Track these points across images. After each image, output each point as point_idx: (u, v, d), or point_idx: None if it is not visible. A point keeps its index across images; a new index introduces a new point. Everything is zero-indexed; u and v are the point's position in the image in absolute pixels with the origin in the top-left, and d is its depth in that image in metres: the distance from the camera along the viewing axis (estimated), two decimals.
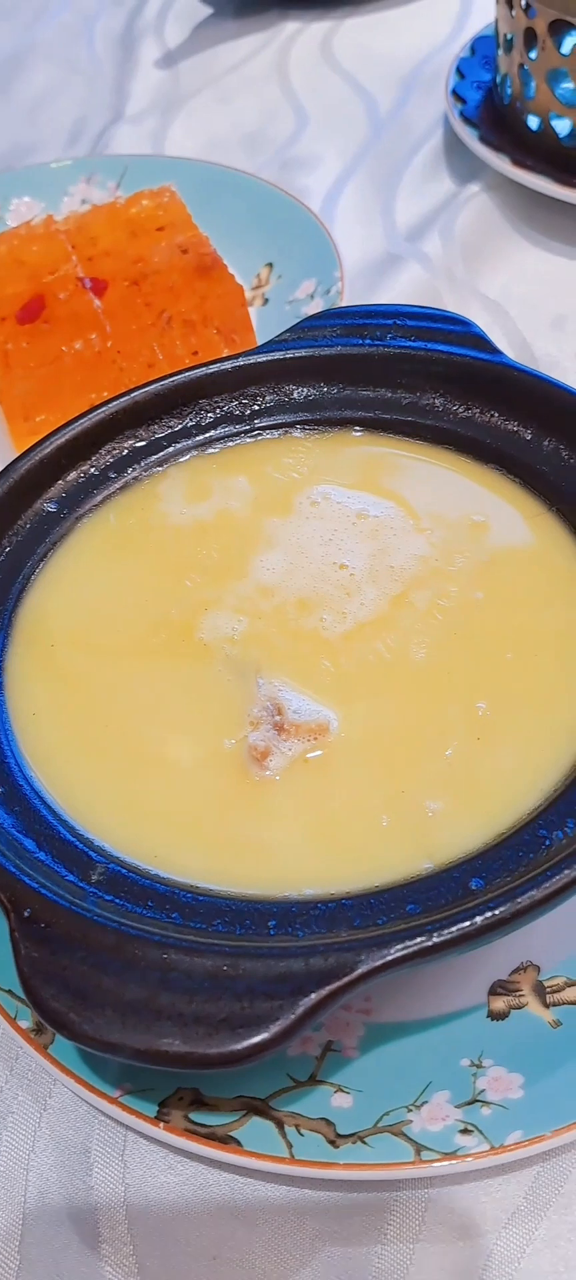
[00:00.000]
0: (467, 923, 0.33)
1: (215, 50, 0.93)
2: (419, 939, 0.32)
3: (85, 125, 0.87)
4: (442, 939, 0.32)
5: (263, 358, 0.50)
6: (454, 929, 0.33)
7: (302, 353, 0.50)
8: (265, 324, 0.63)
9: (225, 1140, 0.36)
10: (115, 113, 0.88)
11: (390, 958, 0.32)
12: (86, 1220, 0.37)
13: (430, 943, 0.32)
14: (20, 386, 0.56)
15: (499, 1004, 0.39)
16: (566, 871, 0.33)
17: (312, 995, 0.31)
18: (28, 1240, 0.37)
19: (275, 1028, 0.31)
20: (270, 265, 0.68)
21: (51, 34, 0.99)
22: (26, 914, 0.33)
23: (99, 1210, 0.38)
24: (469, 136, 0.73)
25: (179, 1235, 0.37)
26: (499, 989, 0.39)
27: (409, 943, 0.32)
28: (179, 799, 0.39)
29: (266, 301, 0.66)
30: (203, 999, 0.32)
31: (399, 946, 0.32)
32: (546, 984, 0.39)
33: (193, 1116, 0.36)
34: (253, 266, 0.68)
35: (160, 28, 0.97)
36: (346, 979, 0.32)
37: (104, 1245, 0.37)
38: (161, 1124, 0.36)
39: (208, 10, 0.98)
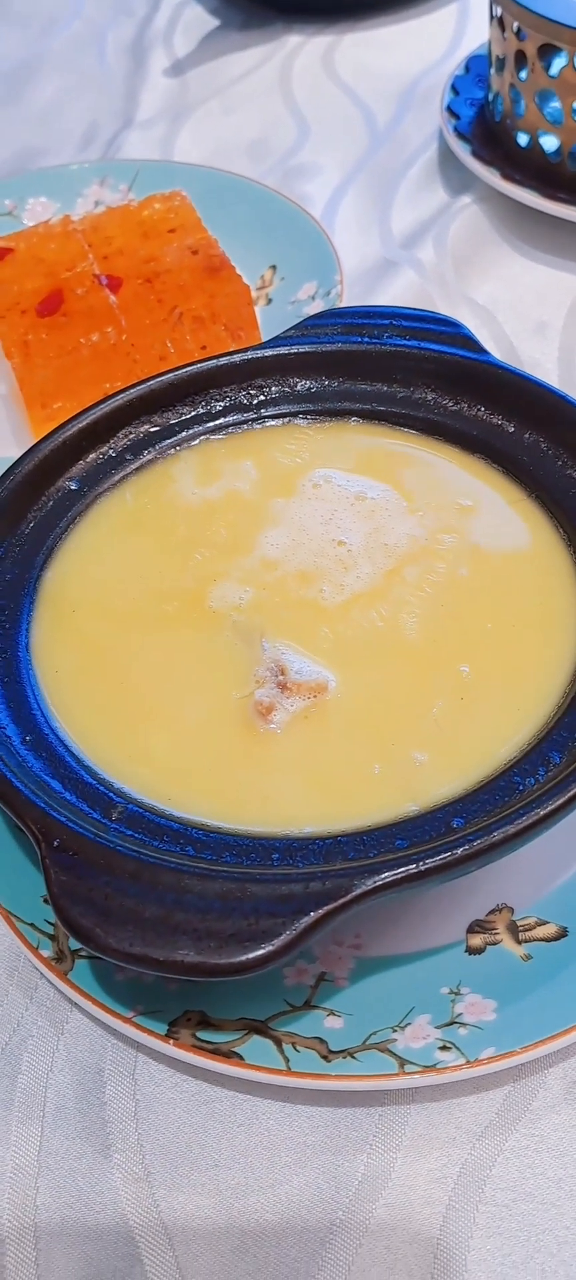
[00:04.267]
0: (449, 854, 0.37)
1: (221, 61, 0.96)
2: (407, 866, 0.36)
3: (97, 131, 0.91)
4: (427, 866, 0.36)
5: (269, 352, 0.54)
6: (437, 858, 0.36)
7: (306, 348, 0.54)
8: (269, 322, 0.67)
9: (228, 1055, 0.39)
10: (126, 119, 0.91)
11: (381, 882, 0.36)
12: (99, 1133, 0.41)
13: (416, 869, 0.36)
14: (39, 375, 0.60)
15: (476, 940, 0.43)
16: (536, 810, 0.37)
17: (312, 914, 0.35)
18: (45, 1150, 0.40)
19: (279, 942, 0.35)
20: (274, 267, 0.72)
21: (63, 43, 1.03)
22: (56, 844, 0.37)
23: (111, 1123, 0.41)
24: (462, 151, 0.77)
25: (184, 1145, 0.40)
26: (476, 927, 0.43)
27: (398, 870, 0.36)
28: (190, 749, 0.43)
29: (270, 301, 0.70)
30: (214, 917, 0.35)
31: (389, 873, 0.36)
32: (519, 923, 0.43)
33: (199, 1035, 0.40)
34: (257, 268, 0.72)
35: (169, 38, 1.00)
36: (342, 900, 0.35)
37: (115, 1154, 0.40)
38: (171, 1041, 0.40)
39: (215, 22, 1.01)
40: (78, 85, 0.97)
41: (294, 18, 1.00)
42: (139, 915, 0.35)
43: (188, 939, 0.35)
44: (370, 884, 0.36)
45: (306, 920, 0.35)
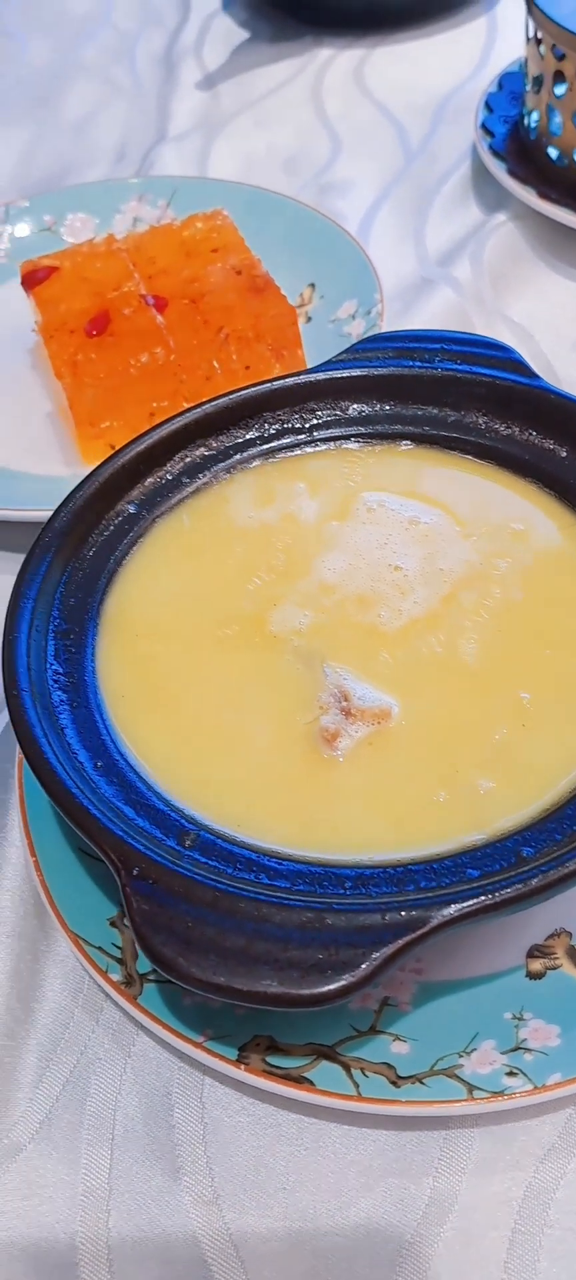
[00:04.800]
0: (523, 884, 0.37)
1: (253, 74, 0.97)
2: (482, 897, 0.37)
3: (130, 144, 0.91)
4: (503, 897, 0.37)
5: (321, 376, 0.55)
6: (512, 889, 0.37)
7: (357, 372, 0.55)
8: (309, 341, 0.67)
9: (299, 1080, 0.40)
10: (159, 132, 0.92)
11: (458, 913, 0.36)
12: (168, 1156, 0.41)
13: (492, 900, 0.37)
14: (89, 395, 0.61)
15: (536, 965, 0.43)
16: None
17: (391, 945, 0.36)
18: (116, 1173, 0.41)
19: (359, 973, 0.35)
20: (312, 286, 0.73)
21: (93, 52, 1.03)
22: (135, 872, 0.37)
23: (180, 1146, 0.41)
24: (497, 169, 0.78)
25: (252, 1168, 0.41)
26: (535, 952, 0.43)
27: (473, 900, 0.37)
28: (257, 774, 0.43)
29: (309, 320, 0.71)
30: (294, 947, 0.36)
31: (465, 903, 0.37)
32: None
33: (269, 1060, 0.40)
34: (296, 286, 0.72)
35: (199, 50, 1.01)
36: (420, 931, 0.36)
37: (185, 1177, 0.41)
38: (242, 1066, 0.40)
39: (245, 35, 1.02)
40: (109, 96, 0.97)
41: (324, 31, 1.00)
42: (220, 945, 0.36)
43: (270, 969, 0.36)
44: (447, 915, 0.36)
45: (385, 951, 0.36)
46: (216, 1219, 0.40)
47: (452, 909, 0.37)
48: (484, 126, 0.81)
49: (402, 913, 0.37)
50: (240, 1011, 0.41)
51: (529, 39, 0.75)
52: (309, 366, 0.66)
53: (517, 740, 0.44)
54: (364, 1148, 0.41)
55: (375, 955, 0.36)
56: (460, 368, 0.54)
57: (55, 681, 0.44)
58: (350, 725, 0.44)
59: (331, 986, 0.35)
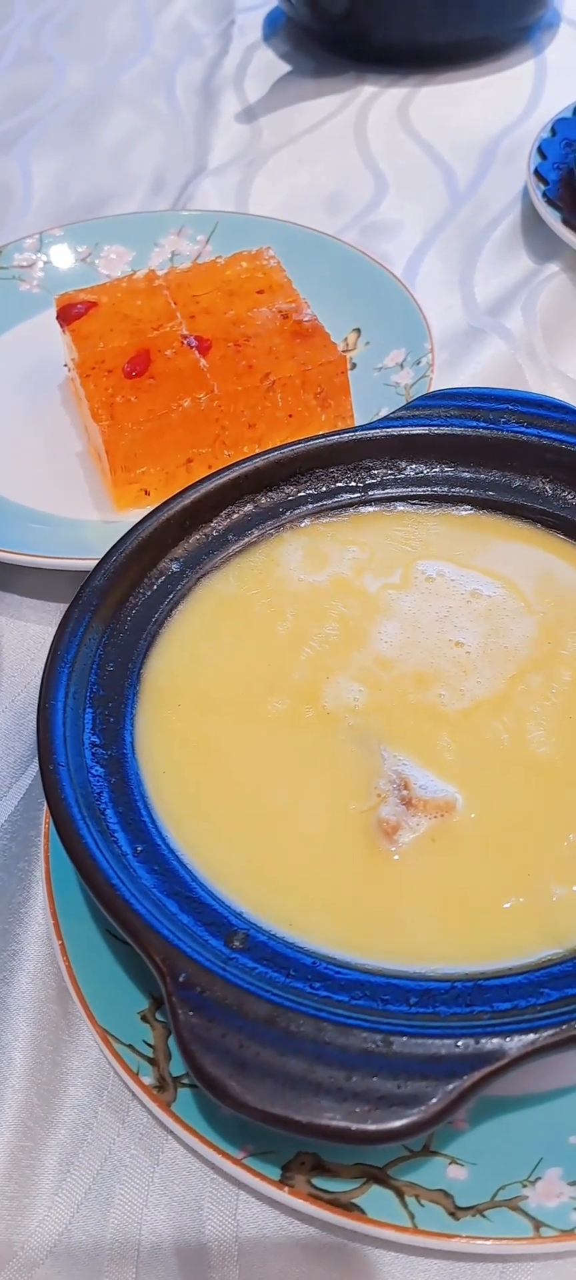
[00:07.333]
0: None
1: (294, 109, 0.94)
2: (563, 1025, 0.33)
3: (169, 175, 0.89)
4: None
5: (378, 432, 0.51)
6: None
7: (417, 430, 0.51)
8: (353, 389, 0.64)
9: (348, 1207, 0.36)
10: (197, 164, 0.89)
11: (540, 1044, 0.33)
12: (199, 1275, 0.38)
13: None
14: (127, 439, 0.57)
15: None
16: None
17: (466, 1079, 0.32)
18: None
19: (431, 1108, 0.32)
20: (358, 331, 0.70)
21: (131, 80, 1.01)
22: (182, 979, 0.34)
23: (212, 1268, 0.38)
24: (552, 218, 0.75)
25: None
26: None
27: (555, 1029, 0.33)
28: (310, 867, 0.40)
29: (354, 366, 0.67)
30: (360, 1076, 0.32)
31: (547, 1033, 0.33)
32: None
33: (316, 1182, 0.37)
34: (340, 330, 0.69)
35: (240, 81, 0.98)
36: (498, 1064, 0.33)
37: None
38: (286, 1188, 0.37)
39: (286, 68, 0.99)
40: (147, 125, 0.94)
41: (367, 68, 0.97)
42: (277, 1070, 0.32)
43: (331, 1100, 0.32)
44: (527, 1044, 0.33)
45: (460, 1085, 0.32)
46: None
47: (533, 1038, 0.33)
48: (537, 173, 0.78)
49: (479, 1040, 0.33)
50: None
51: None
52: (355, 416, 0.63)
53: None
54: (414, 1278, 0.38)
55: (449, 1088, 0.32)
56: (527, 430, 0.51)
57: (93, 756, 0.41)
58: (411, 817, 0.41)
59: (400, 1123, 0.32)
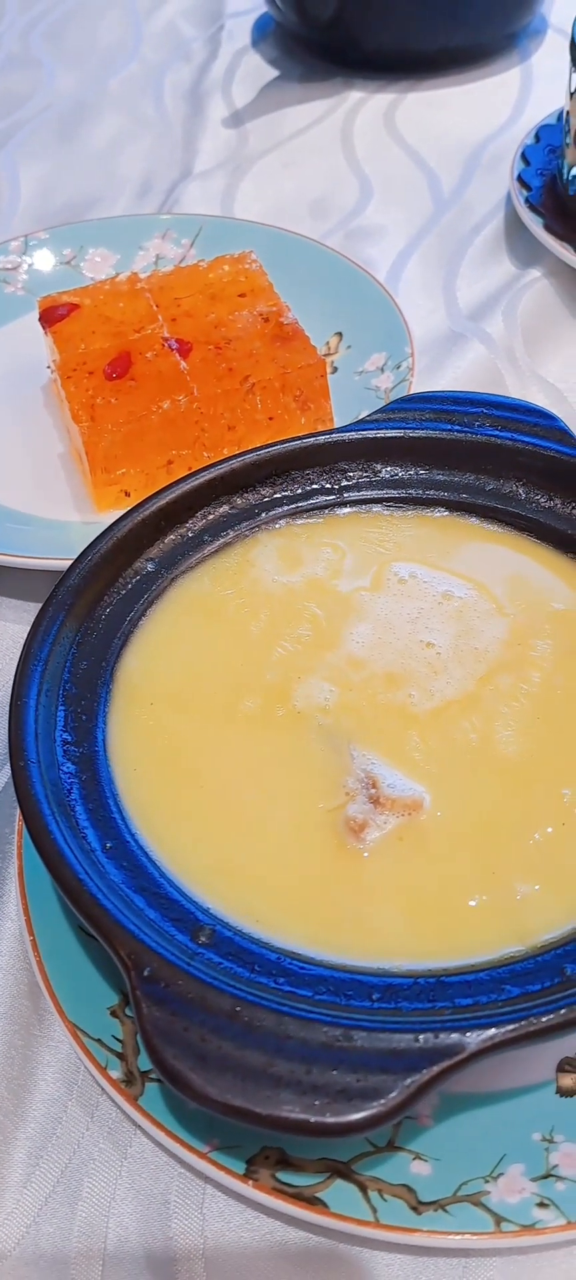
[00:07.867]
0: (567, 1009, 0.34)
1: (281, 113, 0.95)
2: (524, 1021, 0.34)
3: (155, 179, 0.89)
4: (548, 1023, 0.34)
5: (353, 435, 0.52)
6: (557, 1013, 0.34)
7: (391, 433, 0.52)
8: (335, 392, 0.64)
9: (312, 1201, 0.37)
10: (184, 169, 0.89)
11: (499, 1039, 0.33)
12: (165, 1271, 0.38)
13: (536, 1026, 0.34)
14: (107, 440, 0.58)
15: (567, 1080, 0.40)
16: None
17: (425, 1072, 0.33)
18: None
19: (390, 1101, 0.32)
20: (339, 334, 0.70)
21: (120, 84, 1.01)
22: (146, 973, 0.34)
23: (178, 1261, 0.38)
24: (534, 223, 0.75)
25: None
26: (567, 1066, 0.40)
27: (514, 1025, 0.34)
28: (277, 863, 0.40)
29: (335, 370, 0.68)
30: (320, 1069, 0.33)
31: (506, 1028, 0.33)
32: None
33: (280, 1176, 0.37)
34: (322, 334, 0.70)
35: (227, 86, 0.99)
36: (457, 1058, 0.33)
37: None
38: (250, 1181, 0.37)
39: (274, 73, 1.00)
40: (134, 130, 0.95)
41: (354, 73, 0.98)
42: (238, 1063, 0.33)
43: (291, 1092, 0.32)
44: (487, 1039, 0.33)
45: (419, 1079, 0.33)
46: None
47: (492, 1033, 0.33)
48: (520, 179, 0.79)
49: (438, 1035, 0.33)
50: None
51: (572, 93, 0.73)
52: (335, 419, 0.63)
53: (559, 841, 0.41)
54: (376, 1272, 0.38)
55: (408, 1082, 0.33)
56: (501, 434, 0.51)
57: (65, 753, 0.41)
58: (378, 815, 0.41)
59: (358, 1116, 0.32)
